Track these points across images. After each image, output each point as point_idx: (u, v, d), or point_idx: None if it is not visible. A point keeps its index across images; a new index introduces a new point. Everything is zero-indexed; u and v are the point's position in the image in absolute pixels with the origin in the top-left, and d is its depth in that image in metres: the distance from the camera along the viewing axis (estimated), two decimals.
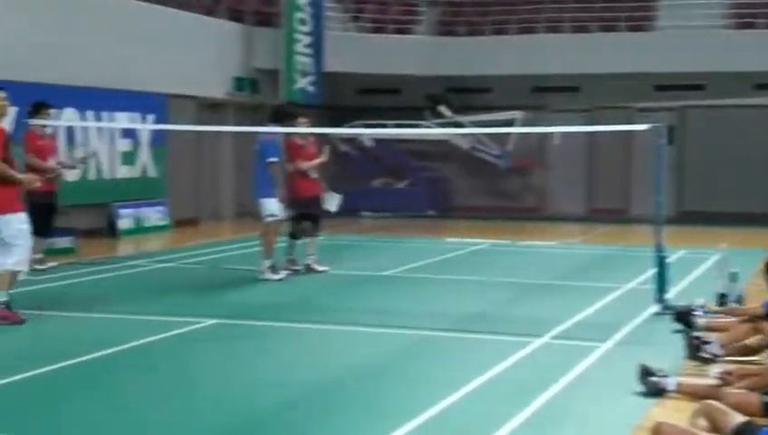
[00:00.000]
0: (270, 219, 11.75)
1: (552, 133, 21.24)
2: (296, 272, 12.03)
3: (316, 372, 7.12)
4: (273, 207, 11.76)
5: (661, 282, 9.57)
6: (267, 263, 11.75)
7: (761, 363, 6.84)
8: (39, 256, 12.11)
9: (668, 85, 22.42)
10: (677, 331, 8.11)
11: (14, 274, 8.90)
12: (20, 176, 8.98)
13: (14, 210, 8.77)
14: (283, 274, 11.75)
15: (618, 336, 8.35)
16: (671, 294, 9.68)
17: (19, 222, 8.78)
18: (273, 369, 7.28)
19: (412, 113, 22.28)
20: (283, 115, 12.20)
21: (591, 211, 23.16)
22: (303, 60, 21.81)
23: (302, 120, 12.09)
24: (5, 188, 8.70)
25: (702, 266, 12.76)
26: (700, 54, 21.20)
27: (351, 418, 5.90)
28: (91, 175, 16.89)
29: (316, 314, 9.52)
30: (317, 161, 12.08)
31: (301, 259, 12.23)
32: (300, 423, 5.79)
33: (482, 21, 23.71)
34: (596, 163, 23.44)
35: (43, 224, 12.17)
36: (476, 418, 5.84)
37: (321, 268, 12.24)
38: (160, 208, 18.36)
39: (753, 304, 7.95)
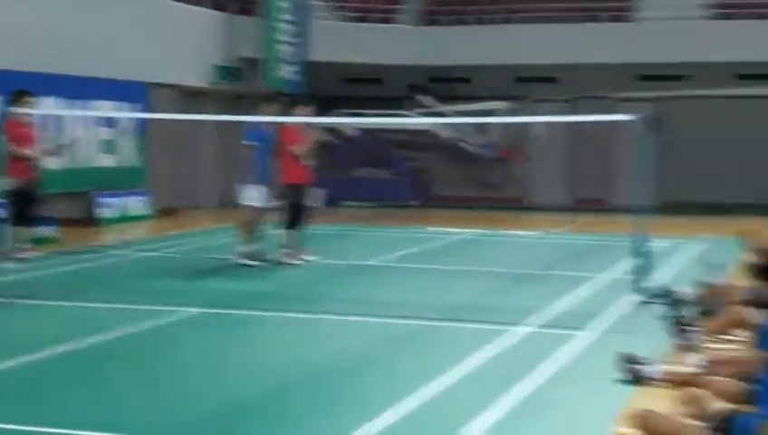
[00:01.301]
0: (247, 206, 11.80)
1: (535, 123, 21.29)
2: (289, 263, 11.93)
3: (302, 361, 7.13)
4: (250, 193, 11.77)
5: (643, 271, 9.65)
6: (243, 249, 11.80)
7: (743, 351, 6.89)
8: (24, 245, 12.06)
9: (650, 76, 22.52)
10: (661, 317, 8.16)
11: None
12: None
13: None
14: (257, 261, 11.77)
15: (601, 325, 8.41)
16: (653, 284, 9.74)
17: None
18: (259, 358, 7.28)
19: (394, 103, 22.27)
20: (272, 102, 12.24)
21: (574, 201, 23.25)
22: (286, 49, 21.74)
23: (301, 108, 12.01)
24: None
25: (684, 256, 12.85)
26: (681, 45, 21.30)
27: (336, 406, 5.92)
28: (71, 163, 16.78)
29: (301, 304, 9.52)
30: (308, 144, 12.02)
31: (275, 250, 12.13)
32: (285, 411, 5.80)
33: (465, 10, 23.71)
34: (578, 153, 23.52)
35: (26, 213, 12.11)
36: (461, 406, 5.87)
37: (308, 258, 12.22)
38: (142, 197, 18.29)
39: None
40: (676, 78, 22.45)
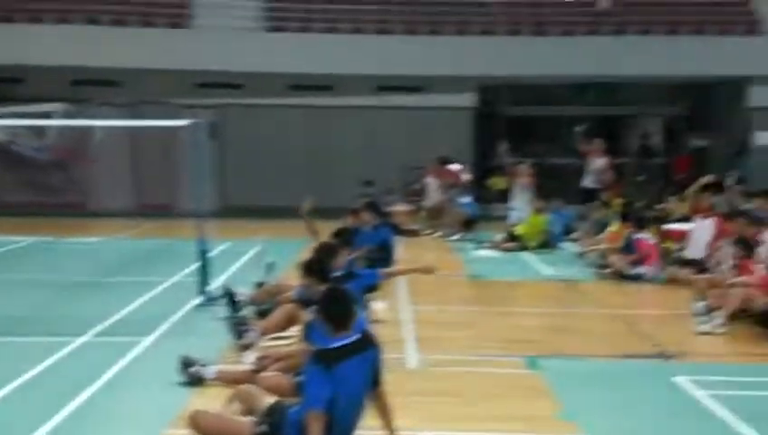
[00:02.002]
0: None
1: (94, 127, 20.84)
2: None
3: None
4: None
5: (204, 274, 9.91)
6: None
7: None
8: None
9: (209, 83, 23.05)
10: (221, 318, 8.43)
11: None
12: None
13: None
14: None
15: (162, 329, 8.49)
16: (213, 286, 10.02)
17: None
18: None
19: None
20: None
21: (138, 206, 23.04)
22: None
23: None
24: None
25: (243, 258, 13.36)
26: (238, 54, 22.08)
27: None
28: None
29: None
30: None
31: None
32: None
33: (16, 8, 22.42)
34: (141, 158, 23.34)
35: None
36: (11, 423, 5.61)
37: None
38: None
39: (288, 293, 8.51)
40: (237, 86, 23.22)
